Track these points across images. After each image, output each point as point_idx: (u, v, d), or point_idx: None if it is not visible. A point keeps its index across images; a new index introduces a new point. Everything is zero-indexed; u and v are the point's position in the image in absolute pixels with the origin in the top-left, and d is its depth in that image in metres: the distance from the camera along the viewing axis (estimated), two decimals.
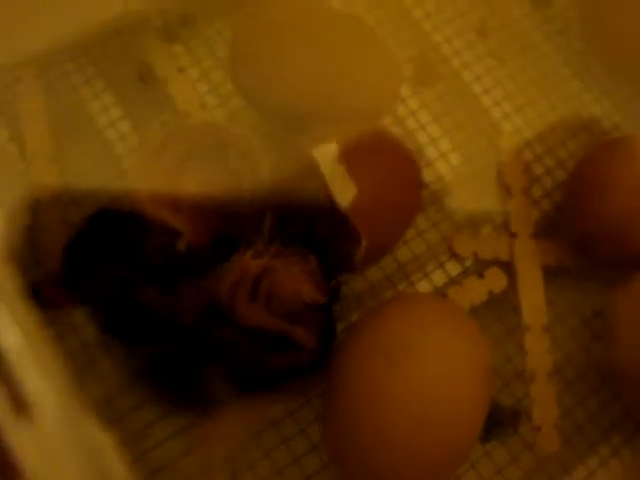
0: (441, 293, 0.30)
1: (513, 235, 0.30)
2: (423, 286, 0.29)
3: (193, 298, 0.25)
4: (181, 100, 0.31)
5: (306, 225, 0.26)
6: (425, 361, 0.23)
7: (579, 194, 0.29)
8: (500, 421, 0.29)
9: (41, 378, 0.12)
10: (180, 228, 0.27)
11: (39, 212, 0.29)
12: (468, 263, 0.30)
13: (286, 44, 0.28)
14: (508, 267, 0.30)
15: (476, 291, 0.30)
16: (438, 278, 0.30)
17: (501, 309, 0.30)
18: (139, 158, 0.28)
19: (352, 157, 0.25)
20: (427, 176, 0.31)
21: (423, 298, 0.27)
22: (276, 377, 0.25)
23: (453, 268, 0.30)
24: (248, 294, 0.24)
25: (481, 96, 0.33)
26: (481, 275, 0.30)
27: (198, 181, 0.28)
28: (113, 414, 0.26)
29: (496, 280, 0.30)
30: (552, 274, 0.30)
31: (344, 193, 0.24)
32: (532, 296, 0.30)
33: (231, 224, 0.27)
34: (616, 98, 0.33)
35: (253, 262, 0.24)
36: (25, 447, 0.13)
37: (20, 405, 0.12)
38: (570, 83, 0.34)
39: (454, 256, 0.30)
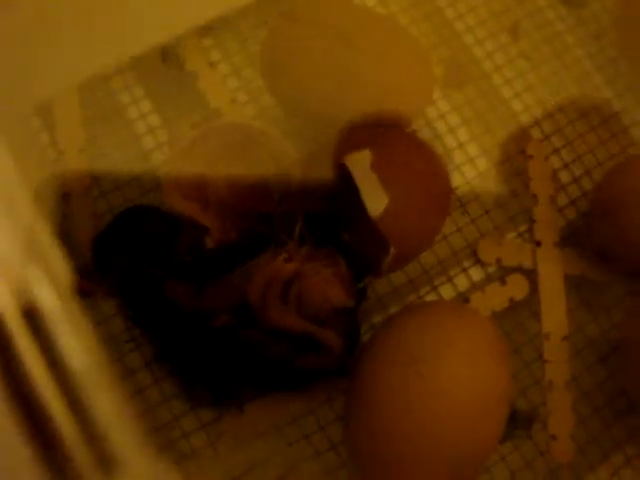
0: (463, 298, 0.30)
1: (537, 243, 0.30)
2: (446, 291, 0.30)
3: (222, 297, 0.25)
4: (211, 95, 0.31)
5: (335, 228, 0.26)
6: (449, 371, 0.24)
7: (605, 205, 0.29)
8: (514, 423, 0.29)
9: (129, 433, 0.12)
10: (208, 225, 0.28)
11: (70, 202, 0.29)
12: (491, 269, 0.30)
13: (319, 44, 0.28)
14: (531, 275, 0.30)
15: (498, 297, 0.30)
16: (461, 283, 0.30)
17: (522, 316, 0.30)
18: (170, 156, 0.28)
19: (383, 163, 0.25)
20: (454, 180, 0.31)
21: (445, 306, 0.27)
22: (302, 377, 0.26)
23: (476, 274, 0.30)
24: (279, 296, 0.24)
25: (511, 100, 0.33)
26: (503, 281, 0.30)
27: (227, 180, 0.28)
28: (142, 405, 0.27)
29: (518, 287, 0.30)
30: (574, 284, 0.30)
31: (376, 202, 0.24)
32: (553, 305, 0.30)
33: (259, 223, 0.27)
34: None
35: (285, 265, 0.25)
36: None
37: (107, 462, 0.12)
38: (601, 90, 0.33)
39: (478, 262, 0.30)
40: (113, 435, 0.12)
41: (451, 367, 0.24)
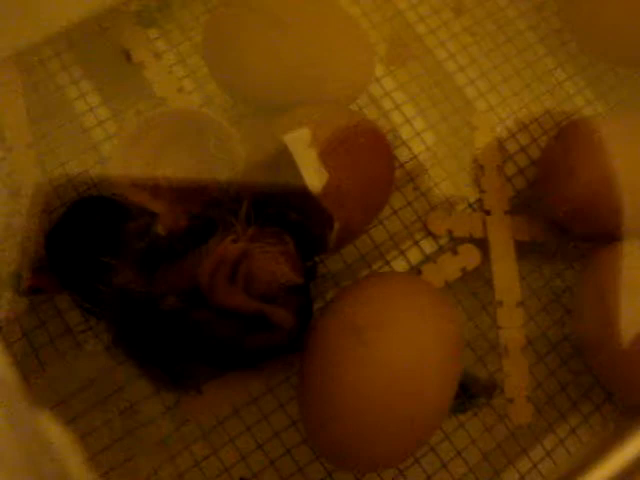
0: (416, 270, 0.30)
1: (487, 212, 0.31)
2: (399, 264, 0.30)
3: (172, 281, 0.26)
4: (157, 85, 0.31)
5: (280, 208, 0.26)
6: (393, 339, 0.24)
7: (549, 173, 0.30)
8: (475, 392, 0.30)
9: None
10: (158, 212, 0.28)
11: (20, 199, 0.29)
12: (443, 241, 0.31)
13: (258, 29, 0.28)
14: (482, 244, 0.31)
15: (450, 268, 0.30)
16: (413, 256, 0.30)
17: (475, 285, 0.30)
18: (118, 145, 0.28)
19: (323, 141, 0.26)
20: (402, 155, 0.31)
21: (393, 277, 0.27)
22: (255, 356, 0.26)
23: (428, 246, 0.31)
24: (227, 277, 0.25)
25: (455, 74, 0.33)
26: (455, 252, 0.31)
27: (175, 166, 0.29)
28: (102, 392, 0.27)
29: (470, 257, 0.31)
30: (525, 250, 0.31)
31: (316, 178, 0.25)
32: (505, 272, 0.30)
33: (208, 208, 0.28)
34: (590, 75, 0.34)
35: (232, 246, 0.25)
36: None
37: None
38: (545, 60, 0.34)
39: (429, 234, 0.31)
40: None
41: (393, 334, 0.24)
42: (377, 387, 0.24)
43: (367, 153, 0.27)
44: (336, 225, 0.25)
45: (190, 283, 0.26)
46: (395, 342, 0.24)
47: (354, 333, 0.24)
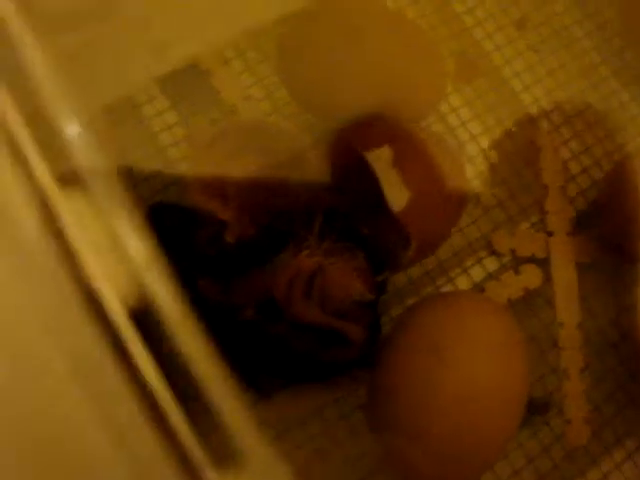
0: (479, 288, 0.30)
1: (549, 233, 0.31)
2: (462, 282, 0.30)
3: (248, 292, 0.26)
4: (226, 92, 0.31)
5: (352, 222, 0.26)
6: (471, 358, 0.24)
7: (613, 195, 0.30)
8: (531, 410, 0.30)
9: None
10: (228, 219, 0.28)
11: None
12: (505, 259, 0.31)
13: (332, 41, 0.28)
14: (544, 264, 0.31)
15: (513, 287, 0.30)
16: (476, 274, 0.31)
17: (537, 305, 0.31)
18: (190, 153, 0.29)
19: (401, 159, 0.26)
20: (467, 173, 0.31)
21: (463, 296, 0.28)
22: (327, 369, 0.26)
23: (491, 264, 0.31)
24: (303, 291, 0.25)
25: (521, 93, 0.33)
26: (517, 271, 0.31)
27: (246, 175, 0.29)
28: None
29: (532, 277, 0.31)
30: (586, 271, 0.31)
31: (397, 197, 0.25)
32: (567, 293, 0.31)
33: (278, 218, 0.28)
34: None
35: (308, 260, 0.25)
36: None
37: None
38: (608, 81, 0.34)
39: (492, 252, 0.31)
40: (232, 427, 0.12)
41: (470, 354, 0.24)
42: (451, 405, 0.24)
43: (442, 172, 0.27)
44: (413, 244, 0.25)
45: (266, 295, 0.26)
46: (473, 362, 0.24)
47: (433, 353, 0.24)
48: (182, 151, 0.30)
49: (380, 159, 0.25)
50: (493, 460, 0.26)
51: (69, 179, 0.13)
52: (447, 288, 0.30)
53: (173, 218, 0.28)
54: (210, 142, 0.28)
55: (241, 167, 0.29)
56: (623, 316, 0.31)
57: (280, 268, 0.26)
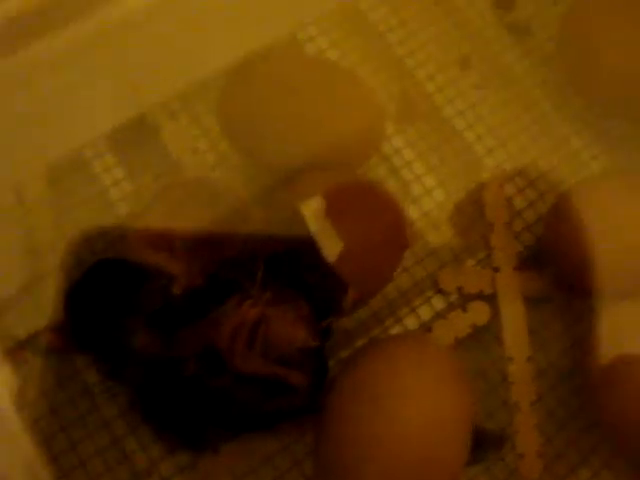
0: (427, 327, 0.31)
1: (496, 269, 0.32)
2: (410, 321, 0.31)
3: (192, 345, 0.26)
4: (172, 146, 0.32)
5: (295, 268, 0.27)
6: (409, 405, 0.25)
7: (558, 231, 0.30)
8: (484, 445, 0.30)
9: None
10: (175, 271, 0.29)
11: (38, 258, 0.30)
12: (453, 297, 0.31)
13: (270, 92, 0.29)
14: (492, 300, 0.31)
15: (460, 324, 0.31)
16: (424, 313, 0.31)
17: (485, 340, 0.31)
18: (135, 210, 0.29)
19: (335, 207, 0.26)
20: (413, 213, 0.32)
21: (406, 340, 0.28)
22: (274, 418, 0.27)
23: (438, 303, 0.31)
24: (246, 342, 0.25)
25: (464, 131, 0.34)
26: (465, 309, 0.31)
27: (191, 228, 0.29)
28: (119, 454, 0.28)
29: (479, 313, 0.31)
30: (535, 305, 0.32)
31: (331, 247, 0.25)
32: (515, 328, 0.31)
33: (223, 269, 0.28)
34: (595, 130, 0.35)
35: (251, 310, 0.26)
36: None
37: None
38: (550, 116, 0.35)
39: (439, 291, 0.31)
40: None
41: (412, 399, 0.25)
42: (396, 450, 0.24)
43: (378, 217, 0.28)
44: (350, 291, 0.26)
45: (209, 347, 0.26)
46: (411, 409, 0.25)
47: (374, 398, 0.24)
48: (130, 206, 0.31)
49: (312, 209, 0.26)
50: None
51: None
52: (395, 328, 0.31)
53: (120, 272, 0.29)
54: (154, 198, 0.28)
55: (185, 221, 0.29)
56: (574, 348, 0.32)
57: (224, 318, 0.26)
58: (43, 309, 0.29)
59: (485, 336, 0.31)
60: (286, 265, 0.27)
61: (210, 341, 0.26)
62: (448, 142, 0.34)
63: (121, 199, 0.31)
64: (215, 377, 0.26)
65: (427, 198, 0.33)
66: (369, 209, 0.27)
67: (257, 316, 0.26)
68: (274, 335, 0.26)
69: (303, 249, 0.27)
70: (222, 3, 0.25)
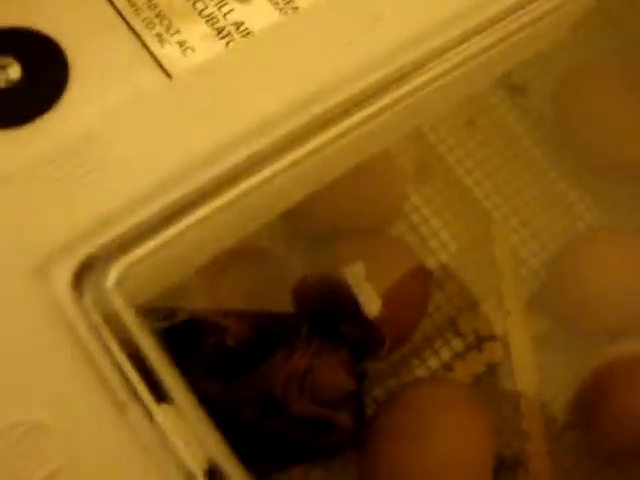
0: (448, 366, 0.35)
1: (506, 312, 0.36)
2: (433, 362, 0.35)
3: (246, 392, 0.30)
4: None
5: (336, 326, 0.31)
6: (439, 438, 0.29)
7: (562, 281, 0.35)
8: (502, 471, 0.34)
9: None
10: (228, 326, 0.32)
11: None
12: (470, 339, 0.35)
13: None
14: (504, 340, 0.35)
15: (477, 363, 0.35)
16: (445, 354, 0.35)
17: (499, 377, 0.35)
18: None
19: (372, 272, 0.30)
20: (431, 264, 0.36)
21: (434, 383, 0.32)
22: (319, 453, 0.30)
23: (457, 344, 0.35)
24: (297, 388, 0.29)
25: (473, 188, 0.38)
26: (480, 349, 0.35)
27: (239, 290, 0.33)
28: None
29: (493, 353, 0.35)
30: (542, 343, 0.36)
31: (371, 305, 0.29)
32: (524, 365, 0.35)
33: (271, 323, 0.32)
34: (588, 185, 0.39)
35: (300, 360, 0.29)
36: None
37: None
38: (548, 173, 0.39)
39: (458, 334, 0.35)
40: None
41: (442, 434, 0.29)
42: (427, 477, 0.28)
43: (409, 278, 0.32)
44: (387, 343, 0.30)
45: (263, 393, 0.30)
46: (441, 443, 0.29)
47: (406, 437, 0.28)
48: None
49: (354, 273, 0.29)
50: None
51: None
52: (421, 368, 0.35)
53: (185, 332, 0.32)
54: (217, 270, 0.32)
55: (233, 283, 0.33)
56: (577, 382, 0.36)
57: (275, 368, 0.30)
58: None
59: (499, 373, 0.35)
60: (328, 321, 0.31)
61: (265, 388, 0.30)
62: (460, 199, 0.38)
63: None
64: (271, 420, 0.29)
65: (443, 251, 0.37)
66: (399, 271, 0.31)
67: (305, 365, 0.30)
68: (320, 380, 0.30)
69: (343, 307, 0.31)
70: None
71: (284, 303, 0.31)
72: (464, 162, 0.39)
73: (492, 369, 0.35)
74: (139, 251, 0.19)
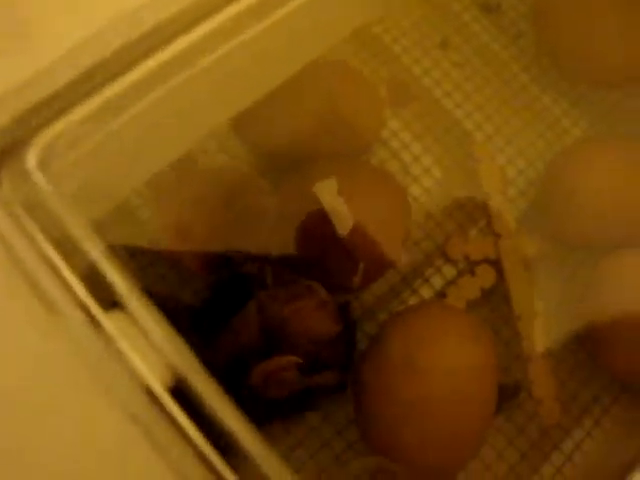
0: (441, 294, 0.33)
1: (497, 235, 0.34)
2: (425, 291, 0.33)
3: (225, 349, 0.28)
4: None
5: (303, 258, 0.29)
6: (436, 367, 0.27)
7: (551, 196, 0.33)
8: (503, 397, 0.33)
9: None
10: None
11: None
12: (461, 265, 0.34)
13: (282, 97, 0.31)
14: (496, 263, 0.34)
15: (470, 288, 0.33)
16: (436, 282, 0.33)
17: (494, 301, 0.34)
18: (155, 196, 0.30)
19: (346, 190, 0.29)
20: (415, 191, 0.34)
21: (426, 308, 0.31)
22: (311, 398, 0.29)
23: (448, 271, 0.34)
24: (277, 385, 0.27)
25: (454, 110, 0.36)
26: (473, 273, 0.34)
27: (208, 223, 0.31)
28: None
29: (486, 277, 0.34)
30: (536, 263, 0.34)
31: (343, 223, 0.27)
32: (520, 287, 0.34)
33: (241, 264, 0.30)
34: (572, 97, 0.37)
35: (272, 310, 0.27)
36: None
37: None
38: (529, 88, 0.37)
39: (448, 260, 0.34)
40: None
41: (440, 363, 0.27)
42: (433, 405, 0.27)
43: (383, 198, 0.30)
44: (360, 266, 0.28)
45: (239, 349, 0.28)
46: (439, 371, 0.27)
47: (402, 368, 0.27)
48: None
49: (326, 189, 0.28)
50: (476, 443, 0.29)
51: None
52: (412, 299, 0.33)
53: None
54: (172, 188, 0.30)
55: (202, 215, 0.31)
56: (574, 300, 0.34)
57: (247, 321, 0.28)
58: None
59: (494, 297, 0.34)
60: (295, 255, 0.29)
61: (239, 345, 0.28)
62: (440, 122, 0.36)
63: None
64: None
65: (427, 176, 0.35)
66: (375, 190, 0.29)
67: (279, 317, 0.28)
68: (300, 332, 0.28)
69: (313, 230, 0.29)
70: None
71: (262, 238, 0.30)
72: (442, 84, 0.37)
73: (487, 293, 0.33)
74: (60, 125, 0.16)
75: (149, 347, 0.15)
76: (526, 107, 0.37)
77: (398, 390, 0.27)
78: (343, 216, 0.28)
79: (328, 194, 0.28)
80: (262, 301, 0.28)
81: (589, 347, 0.33)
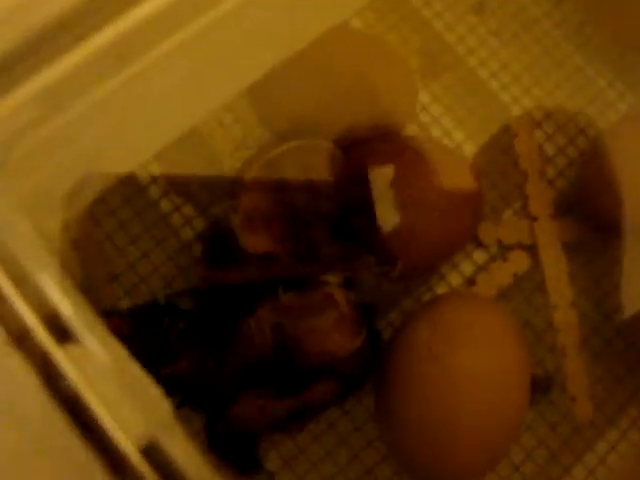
0: (470, 282, 0.31)
1: (533, 218, 0.32)
2: (453, 278, 0.31)
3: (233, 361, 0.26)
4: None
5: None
6: (464, 360, 0.25)
7: (592, 173, 0.30)
8: (535, 391, 0.31)
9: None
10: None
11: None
12: (493, 250, 0.31)
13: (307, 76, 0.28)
14: (531, 249, 0.31)
15: (502, 275, 0.31)
16: (466, 268, 0.31)
17: (527, 289, 0.31)
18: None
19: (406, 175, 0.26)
20: None
21: (456, 299, 0.28)
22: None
23: (479, 256, 0.31)
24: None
25: (488, 81, 0.33)
26: (505, 259, 0.31)
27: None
28: None
29: (520, 262, 0.31)
30: (573, 250, 0.32)
31: (389, 218, 0.25)
32: (556, 275, 0.31)
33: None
34: (619, 67, 0.34)
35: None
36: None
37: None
38: (572, 58, 0.34)
39: (479, 245, 0.31)
40: None
41: (469, 353, 0.25)
42: (458, 402, 0.25)
43: (449, 183, 0.27)
44: (399, 264, 0.26)
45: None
46: (467, 364, 0.25)
47: (430, 359, 0.25)
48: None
49: (380, 178, 0.25)
50: (505, 444, 0.27)
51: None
52: (440, 286, 0.31)
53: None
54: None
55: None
56: (614, 290, 0.32)
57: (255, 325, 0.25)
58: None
59: (527, 285, 0.31)
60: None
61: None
62: (473, 93, 0.33)
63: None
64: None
65: (458, 152, 0.32)
66: (437, 175, 0.26)
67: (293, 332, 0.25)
68: (315, 355, 0.25)
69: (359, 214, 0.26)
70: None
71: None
72: (476, 52, 0.34)
73: (519, 281, 0.31)
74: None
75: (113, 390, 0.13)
76: (568, 78, 0.34)
77: (423, 386, 0.25)
78: (388, 212, 0.26)
79: (382, 183, 0.26)
80: (274, 314, 0.25)
81: (629, 341, 0.31)
